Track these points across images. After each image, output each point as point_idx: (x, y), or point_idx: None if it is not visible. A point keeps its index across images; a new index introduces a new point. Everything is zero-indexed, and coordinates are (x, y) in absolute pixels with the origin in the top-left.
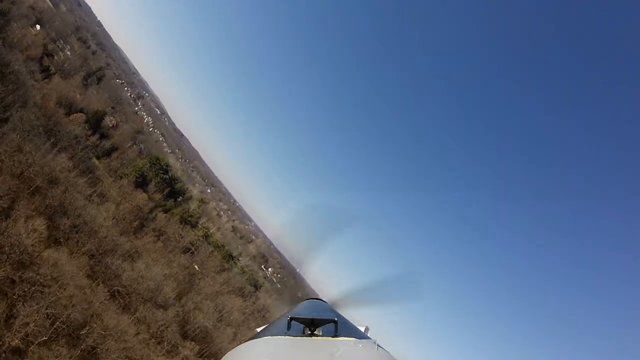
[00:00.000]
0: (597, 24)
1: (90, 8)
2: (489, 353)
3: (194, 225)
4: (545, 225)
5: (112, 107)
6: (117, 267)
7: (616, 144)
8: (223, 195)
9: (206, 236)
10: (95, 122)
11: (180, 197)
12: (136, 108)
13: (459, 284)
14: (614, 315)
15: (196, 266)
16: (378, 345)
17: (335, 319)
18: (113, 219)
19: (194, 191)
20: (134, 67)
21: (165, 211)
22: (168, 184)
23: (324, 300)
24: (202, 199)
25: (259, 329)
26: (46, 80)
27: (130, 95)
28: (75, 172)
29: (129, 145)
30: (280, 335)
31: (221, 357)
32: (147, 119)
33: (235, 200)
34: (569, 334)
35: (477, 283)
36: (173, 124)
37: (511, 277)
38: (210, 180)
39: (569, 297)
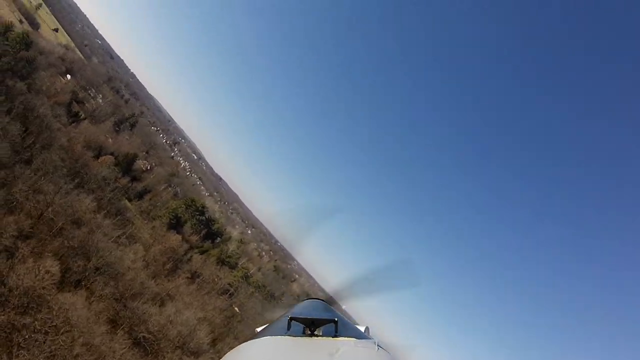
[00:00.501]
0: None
1: (122, 60)
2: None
3: (232, 267)
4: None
5: (146, 152)
6: (144, 312)
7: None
8: (264, 236)
9: (246, 277)
10: (126, 165)
11: (218, 238)
12: (172, 154)
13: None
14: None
15: (236, 308)
16: (378, 345)
17: (336, 319)
18: (143, 261)
19: (234, 232)
20: (169, 115)
21: (202, 253)
22: (205, 225)
23: (324, 300)
24: (241, 240)
25: (258, 329)
26: (74, 124)
27: (166, 141)
28: (102, 214)
29: (162, 187)
30: (280, 335)
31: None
32: (184, 164)
33: (276, 241)
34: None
35: (477, 283)
36: (211, 168)
37: (508, 276)
38: (251, 221)
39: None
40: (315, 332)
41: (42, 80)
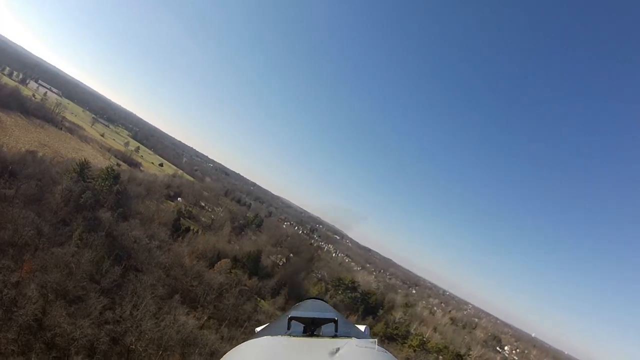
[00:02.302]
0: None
1: (239, 174)
2: None
3: (404, 337)
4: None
5: (278, 246)
6: None
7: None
8: (430, 290)
9: (422, 344)
10: (252, 264)
11: (380, 309)
12: (312, 241)
13: None
14: None
15: None
16: (378, 345)
17: (336, 319)
18: None
19: (398, 298)
20: (300, 208)
21: None
22: (360, 301)
23: (324, 300)
24: (406, 303)
25: (258, 329)
26: (180, 239)
27: (302, 231)
28: (224, 324)
29: (302, 276)
30: (280, 335)
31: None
32: (327, 247)
33: (445, 290)
34: None
35: None
36: (356, 243)
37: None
38: (413, 280)
39: None
40: (315, 332)
41: (146, 208)
